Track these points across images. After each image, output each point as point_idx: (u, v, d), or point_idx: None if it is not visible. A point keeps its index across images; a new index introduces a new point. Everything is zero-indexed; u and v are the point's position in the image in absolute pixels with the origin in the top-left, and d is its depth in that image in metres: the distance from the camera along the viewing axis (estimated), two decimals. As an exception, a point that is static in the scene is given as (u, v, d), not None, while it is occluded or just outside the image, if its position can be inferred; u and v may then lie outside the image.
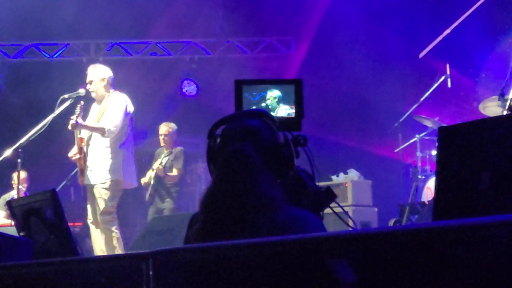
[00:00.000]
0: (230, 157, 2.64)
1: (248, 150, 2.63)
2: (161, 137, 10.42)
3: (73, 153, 7.84)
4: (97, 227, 7.78)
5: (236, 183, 2.56)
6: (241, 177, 2.56)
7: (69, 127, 7.58)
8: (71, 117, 7.52)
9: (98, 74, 7.91)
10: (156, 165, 10.11)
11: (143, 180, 9.93)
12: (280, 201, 2.56)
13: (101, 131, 7.64)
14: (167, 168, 10.23)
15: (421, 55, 11.08)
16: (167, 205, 10.20)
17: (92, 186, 7.77)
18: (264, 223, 2.45)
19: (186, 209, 11.29)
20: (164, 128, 10.45)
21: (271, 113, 3.34)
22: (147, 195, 10.31)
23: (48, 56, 13.31)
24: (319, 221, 2.65)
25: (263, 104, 3.36)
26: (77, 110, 7.53)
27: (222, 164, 2.66)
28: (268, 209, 2.50)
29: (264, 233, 2.40)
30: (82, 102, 7.60)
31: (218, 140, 2.82)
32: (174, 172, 10.25)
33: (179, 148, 10.41)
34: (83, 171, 7.80)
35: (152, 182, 10.18)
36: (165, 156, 10.11)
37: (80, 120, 7.55)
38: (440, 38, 10.51)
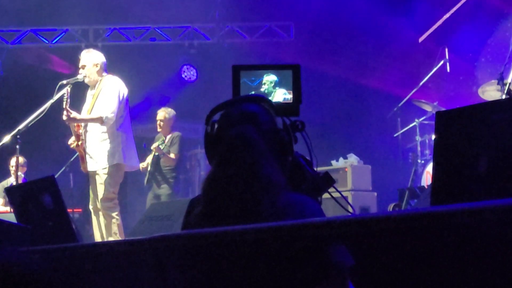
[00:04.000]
0: (233, 140, 2.62)
1: (251, 133, 2.62)
2: (158, 123, 10.41)
3: (72, 140, 7.82)
4: (98, 213, 7.78)
5: (240, 165, 2.53)
6: (245, 159, 2.54)
7: (64, 120, 7.53)
8: (63, 108, 7.46)
9: (91, 59, 7.88)
10: (154, 146, 10.11)
11: (142, 165, 9.92)
12: (282, 186, 2.56)
13: (99, 120, 7.61)
14: (165, 153, 10.26)
15: (420, 40, 11.08)
16: (164, 191, 10.21)
17: (94, 173, 7.76)
18: (266, 207, 2.44)
19: (186, 195, 11.30)
20: (161, 113, 10.44)
21: (268, 97, 3.33)
22: (145, 180, 10.35)
23: (47, 42, 13.28)
24: (317, 206, 2.64)
25: (262, 89, 3.36)
26: (64, 98, 7.47)
27: (225, 147, 2.64)
28: (272, 192, 2.49)
29: (266, 217, 2.40)
30: (68, 88, 7.53)
31: (217, 125, 2.81)
32: (171, 155, 10.25)
33: (176, 134, 10.41)
34: (83, 158, 7.79)
35: (149, 167, 10.20)
36: (159, 144, 10.12)
37: (74, 114, 7.51)
38: (439, 22, 10.51)
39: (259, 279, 1.87)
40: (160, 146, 10.20)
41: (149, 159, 10.29)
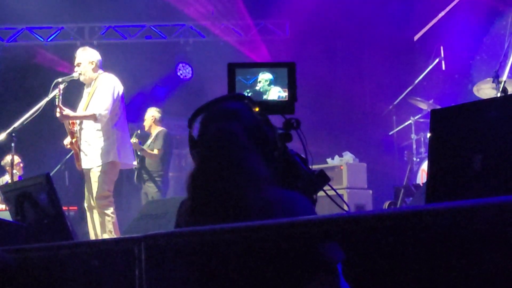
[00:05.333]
0: (215, 135, 2.62)
1: (233, 128, 2.61)
2: (144, 122, 10.56)
3: (67, 141, 7.82)
4: (93, 211, 7.77)
5: (223, 160, 2.53)
6: (228, 154, 2.54)
7: (58, 118, 7.52)
8: (56, 106, 7.45)
9: (86, 57, 7.87)
10: (132, 140, 10.16)
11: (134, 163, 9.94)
12: (268, 179, 2.55)
13: (93, 118, 7.59)
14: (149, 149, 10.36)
15: (415, 38, 11.08)
16: (150, 189, 10.27)
17: (88, 170, 7.75)
18: (254, 201, 2.44)
19: (181, 194, 11.29)
20: (148, 113, 10.61)
21: (263, 96, 3.34)
22: (135, 178, 10.44)
23: (42, 40, 13.26)
24: (308, 203, 2.63)
25: (257, 87, 3.36)
26: (57, 96, 7.45)
27: (207, 143, 2.64)
28: (257, 185, 2.48)
29: (254, 211, 2.39)
30: (61, 86, 7.52)
31: (199, 126, 2.80)
32: (155, 151, 10.30)
33: (160, 129, 10.47)
34: (78, 155, 7.78)
35: (136, 165, 10.24)
36: (136, 139, 10.18)
37: (67, 111, 7.50)
38: (434, 20, 10.51)
39: (252, 276, 1.88)
40: (148, 142, 10.32)
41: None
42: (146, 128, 10.56)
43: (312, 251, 1.78)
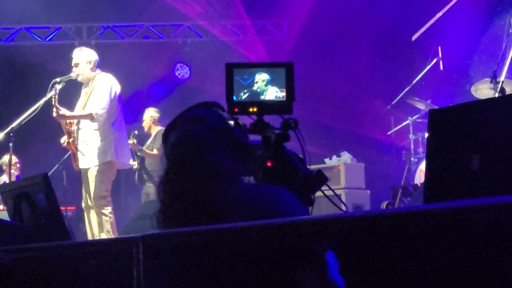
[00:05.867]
0: (178, 139, 2.63)
1: (195, 129, 2.61)
2: (143, 122, 10.56)
3: (63, 139, 7.81)
4: (91, 211, 7.76)
5: (185, 160, 2.55)
6: (191, 153, 2.55)
7: (55, 117, 7.51)
8: (53, 105, 7.45)
9: (84, 56, 7.86)
10: (130, 141, 10.15)
11: (134, 164, 9.94)
12: (236, 173, 2.54)
13: (90, 117, 7.59)
14: (149, 150, 10.35)
15: (413, 38, 11.08)
16: (151, 189, 10.27)
17: (86, 170, 7.74)
18: (223, 196, 2.44)
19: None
20: (147, 113, 10.62)
21: (260, 96, 3.34)
22: (136, 178, 10.45)
23: (40, 40, 13.25)
24: (292, 196, 2.58)
25: (254, 88, 3.36)
26: (53, 95, 7.44)
27: (169, 148, 2.65)
28: (224, 180, 2.48)
29: (226, 207, 2.39)
30: (57, 86, 7.51)
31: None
32: (154, 151, 10.32)
33: (159, 129, 10.48)
34: (75, 155, 7.77)
35: (136, 165, 10.23)
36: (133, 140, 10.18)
37: (63, 111, 7.49)
38: (432, 20, 10.52)
39: (249, 274, 1.89)
40: (147, 143, 10.33)
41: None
42: (146, 129, 10.57)
43: (302, 243, 1.79)
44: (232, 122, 2.79)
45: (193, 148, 2.56)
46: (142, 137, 10.66)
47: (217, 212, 2.37)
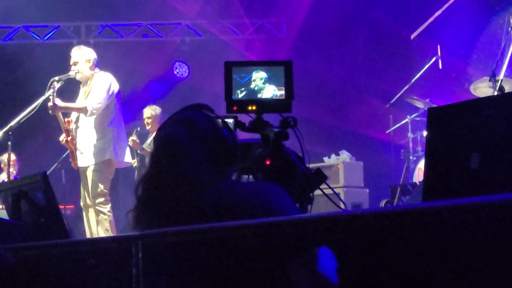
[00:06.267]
0: (160, 141, 2.70)
1: (177, 134, 2.65)
2: (145, 121, 10.47)
3: (62, 137, 7.80)
4: (89, 210, 7.76)
5: (162, 166, 2.60)
6: (169, 159, 2.60)
7: (49, 111, 7.52)
8: (49, 99, 7.46)
9: (83, 55, 7.85)
10: (133, 137, 10.13)
11: (134, 162, 9.93)
12: (210, 182, 2.56)
13: (84, 110, 7.58)
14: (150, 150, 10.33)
15: (412, 37, 11.08)
16: None
17: (84, 169, 7.74)
18: (194, 202, 2.47)
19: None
20: (148, 111, 10.50)
21: (258, 94, 3.34)
22: (135, 177, 10.42)
23: (39, 39, 13.24)
24: (283, 192, 2.59)
25: (252, 86, 3.36)
26: (51, 92, 7.44)
27: (153, 150, 2.72)
28: (197, 189, 2.51)
29: (195, 211, 2.42)
30: (55, 84, 7.50)
31: None
32: None
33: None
34: (73, 154, 7.76)
35: (135, 163, 10.22)
36: (133, 139, 10.14)
37: (58, 102, 7.49)
38: (431, 19, 10.51)
39: (247, 271, 1.89)
40: (148, 140, 10.30)
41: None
42: (148, 127, 10.51)
43: (297, 240, 1.81)
44: (220, 123, 2.80)
45: (170, 153, 2.62)
46: (143, 135, 10.65)
47: (184, 219, 2.40)
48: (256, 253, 1.87)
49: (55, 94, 7.42)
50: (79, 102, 7.72)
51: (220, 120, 2.81)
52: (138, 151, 10.30)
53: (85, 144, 7.69)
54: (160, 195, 2.56)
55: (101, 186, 7.66)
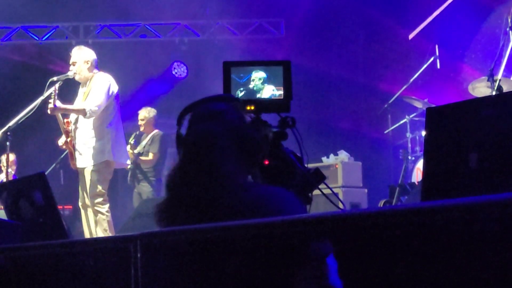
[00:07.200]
0: (196, 136, 2.66)
1: (215, 130, 2.63)
2: (139, 122, 10.47)
3: (62, 141, 7.81)
4: (88, 210, 7.76)
5: (200, 163, 2.58)
6: (205, 157, 2.58)
7: (48, 112, 7.52)
8: (49, 101, 7.46)
9: (82, 56, 7.85)
10: (130, 140, 10.13)
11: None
12: (243, 184, 2.57)
13: (82, 112, 7.58)
14: (144, 152, 10.29)
15: (410, 37, 11.09)
16: (144, 189, 10.24)
17: (83, 169, 7.74)
18: (228, 205, 2.46)
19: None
20: (142, 113, 10.51)
21: (257, 94, 3.34)
22: (128, 178, 10.40)
23: (37, 39, 13.24)
24: (295, 198, 2.62)
25: (250, 86, 3.36)
26: (52, 93, 7.44)
27: (190, 143, 2.68)
28: (231, 190, 2.51)
29: (230, 212, 2.41)
30: (56, 85, 7.50)
31: (188, 125, 2.82)
32: (150, 156, 10.28)
33: (156, 132, 10.44)
34: (72, 154, 7.77)
35: (129, 165, 10.21)
36: (131, 142, 10.15)
37: (58, 103, 7.49)
38: (429, 19, 10.53)
39: (247, 272, 1.88)
40: (143, 143, 10.30)
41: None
42: (141, 128, 10.51)
43: (302, 244, 1.79)
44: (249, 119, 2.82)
45: (208, 152, 2.60)
46: (139, 137, 10.64)
47: (220, 214, 2.39)
48: (258, 254, 1.86)
49: (56, 96, 7.42)
50: (78, 104, 7.72)
51: (248, 116, 2.83)
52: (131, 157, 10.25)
53: (84, 145, 7.70)
54: (196, 192, 2.54)
55: (99, 187, 7.66)
